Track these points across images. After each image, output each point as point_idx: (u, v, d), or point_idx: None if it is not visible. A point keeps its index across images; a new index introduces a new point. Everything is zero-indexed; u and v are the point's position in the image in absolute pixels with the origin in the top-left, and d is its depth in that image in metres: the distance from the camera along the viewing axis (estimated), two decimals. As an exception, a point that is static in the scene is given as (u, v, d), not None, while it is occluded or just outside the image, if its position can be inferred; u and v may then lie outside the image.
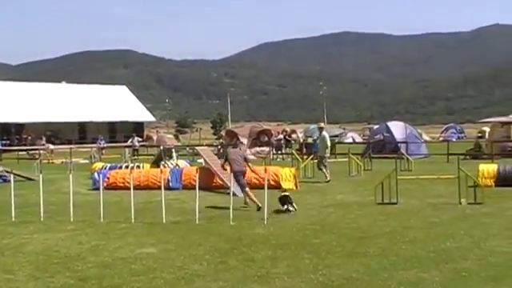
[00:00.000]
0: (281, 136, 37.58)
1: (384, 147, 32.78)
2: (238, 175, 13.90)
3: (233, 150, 15.21)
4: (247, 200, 13.84)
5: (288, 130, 43.37)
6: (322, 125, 22.82)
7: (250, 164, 14.59)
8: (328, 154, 20.53)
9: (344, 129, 67.85)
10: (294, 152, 28.09)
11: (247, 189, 13.98)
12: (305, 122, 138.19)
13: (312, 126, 49.93)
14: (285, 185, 17.25)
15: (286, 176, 17.59)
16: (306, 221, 11.61)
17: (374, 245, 9.17)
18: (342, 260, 8.21)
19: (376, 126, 45.10)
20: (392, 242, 9.41)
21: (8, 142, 54.36)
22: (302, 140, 41.05)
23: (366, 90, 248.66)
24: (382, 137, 34.67)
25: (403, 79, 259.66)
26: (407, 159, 24.70)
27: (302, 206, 13.88)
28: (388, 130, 34.65)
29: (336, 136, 44.96)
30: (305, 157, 25.06)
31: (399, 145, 31.41)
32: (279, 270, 7.75)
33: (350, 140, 47.57)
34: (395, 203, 13.45)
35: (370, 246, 9.11)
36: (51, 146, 42.58)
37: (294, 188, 17.35)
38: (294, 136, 42.93)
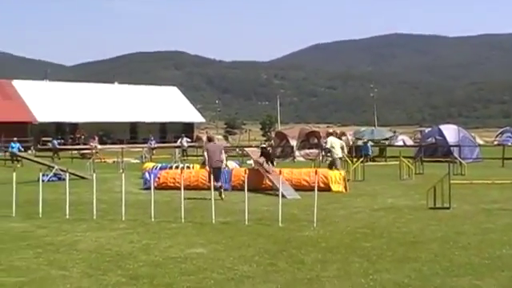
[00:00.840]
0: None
1: (436, 151, 32.27)
2: (216, 171, 15.49)
3: (211, 144, 16.99)
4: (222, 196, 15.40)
5: (338, 132, 43.05)
6: (331, 130, 23.65)
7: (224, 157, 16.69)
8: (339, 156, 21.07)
9: (394, 132, 66.92)
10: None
11: (220, 183, 15.82)
12: (355, 124, 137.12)
13: (362, 129, 49.45)
14: (334, 187, 17.18)
15: (336, 178, 17.48)
16: (355, 224, 11.49)
17: (426, 250, 8.99)
18: (393, 265, 8.08)
19: (428, 129, 44.44)
20: (444, 247, 9.21)
21: (62, 141, 55.62)
22: (351, 142, 40.69)
23: (417, 92, 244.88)
24: (433, 140, 34.12)
25: (456, 81, 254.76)
26: (460, 163, 24.21)
27: (352, 209, 13.77)
28: (440, 134, 34.07)
29: (386, 139, 44.34)
30: (355, 159, 24.80)
31: (452, 148, 30.83)
32: (329, 273, 7.68)
33: (401, 143, 46.85)
34: (448, 208, 13.17)
35: (421, 251, 8.94)
36: (98, 146, 44.10)
37: (344, 191, 17.24)
38: (344, 138, 42.58)
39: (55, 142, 45.45)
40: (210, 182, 13.12)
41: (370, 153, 32.78)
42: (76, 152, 44.63)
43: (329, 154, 22.16)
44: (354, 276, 7.52)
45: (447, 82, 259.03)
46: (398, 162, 23.03)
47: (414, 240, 9.84)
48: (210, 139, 18.19)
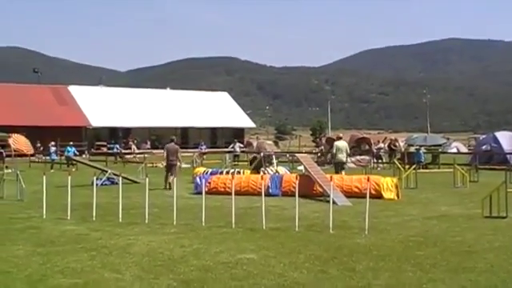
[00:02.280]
0: (381, 145, 36.90)
1: (491, 158, 31.48)
2: (172, 167, 20.52)
3: (169, 144, 21.66)
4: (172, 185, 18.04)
5: (393, 138, 42.51)
6: (341, 135, 26.03)
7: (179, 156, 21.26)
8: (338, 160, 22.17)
9: (448, 138, 65.59)
10: (395, 161, 27.47)
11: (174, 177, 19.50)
12: (406, 130, 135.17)
13: (415, 135, 48.65)
14: (386, 195, 16.95)
15: (388, 186, 17.23)
16: (408, 232, 11.29)
17: (482, 260, 8.76)
18: (448, 275, 7.89)
19: (482, 136, 43.42)
20: (501, 257, 8.95)
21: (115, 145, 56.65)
22: (403, 149, 40.08)
23: (472, 99, 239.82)
24: (489, 147, 33.30)
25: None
26: (517, 171, 23.51)
27: (404, 216, 13.55)
28: (496, 141, 33.26)
29: (439, 145, 43.47)
30: (407, 166, 24.43)
31: (508, 156, 30.02)
32: (381, 281, 7.57)
33: (455, 150, 45.87)
34: (504, 217, 12.81)
35: (477, 261, 8.72)
36: (136, 150, 47.62)
37: (396, 198, 16.99)
38: (396, 145, 42.02)
39: (117, 146, 46.71)
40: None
41: (423, 160, 32.18)
42: (131, 156, 45.50)
43: (380, 161, 22.56)
44: (406, 285, 7.39)
45: (503, 87, 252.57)
46: (451, 170, 22.59)
47: (469, 249, 9.60)
48: (171, 140, 22.39)
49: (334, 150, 22.62)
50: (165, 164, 21.55)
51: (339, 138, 23.88)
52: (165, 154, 21.38)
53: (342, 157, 22.11)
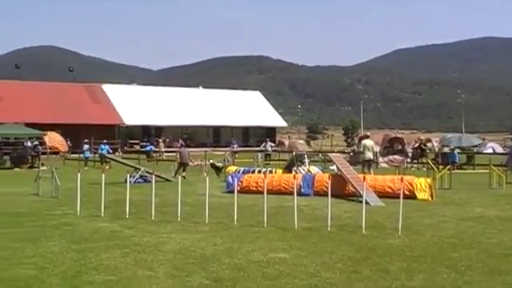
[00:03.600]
0: (416, 145, 36.55)
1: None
2: (185, 165, 26.04)
3: (183, 149, 28.46)
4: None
5: (423, 138, 42.04)
6: (368, 134, 27.78)
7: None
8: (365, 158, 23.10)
9: (483, 139, 64.60)
10: (429, 161, 27.15)
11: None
12: (440, 130, 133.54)
13: (449, 135, 48.00)
14: (420, 195, 16.76)
15: (421, 186, 17.02)
16: (442, 234, 11.13)
17: (519, 263, 8.59)
18: (484, 277, 7.75)
19: (519, 137, 42.59)
20: (539, 261, 8.76)
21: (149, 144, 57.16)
22: (437, 149, 39.60)
23: (508, 99, 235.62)
24: (525, 148, 32.67)
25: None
26: (555, 172, 23.04)
27: (438, 217, 13.38)
28: (533, 141, 32.58)
29: (474, 146, 42.82)
30: (441, 167, 24.12)
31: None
32: (415, 283, 7.47)
33: (490, 150, 45.17)
34: (542, 219, 12.56)
35: (514, 264, 8.55)
36: (163, 148, 48.09)
37: (430, 199, 16.78)
38: (429, 145, 41.57)
39: (152, 147, 47.30)
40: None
41: (457, 160, 31.76)
42: (157, 155, 45.88)
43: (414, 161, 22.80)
44: (441, 287, 7.28)
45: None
46: (487, 170, 22.25)
47: (505, 252, 9.42)
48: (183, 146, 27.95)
49: (362, 149, 23.31)
50: (179, 162, 26.94)
51: (366, 137, 24.48)
52: (179, 156, 27.67)
53: (370, 155, 23.05)
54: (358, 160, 35.12)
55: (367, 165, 23.09)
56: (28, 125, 41.90)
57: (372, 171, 22.46)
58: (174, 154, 40.59)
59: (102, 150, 35.37)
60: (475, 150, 39.90)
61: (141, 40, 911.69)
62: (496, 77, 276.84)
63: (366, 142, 23.84)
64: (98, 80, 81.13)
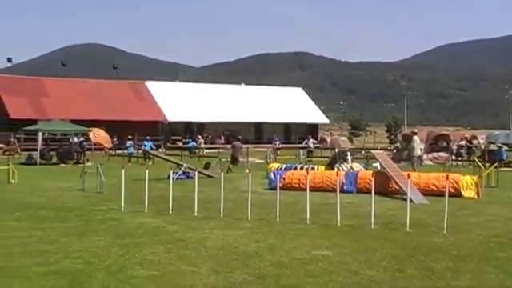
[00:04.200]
0: (462, 142, 35.90)
1: None
2: (236, 159, 27.85)
3: (236, 142, 29.30)
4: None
5: (468, 135, 41.26)
6: (416, 130, 29.09)
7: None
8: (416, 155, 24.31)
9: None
10: (475, 159, 26.63)
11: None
12: (486, 127, 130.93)
13: (496, 132, 47.03)
14: (465, 193, 16.44)
15: (468, 184, 16.70)
16: (489, 232, 10.90)
17: None
18: (533, 278, 7.56)
19: None
20: None
21: (191, 140, 57.60)
22: (483, 146, 38.80)
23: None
24: None
25: None
26: None
27: (485, 216, 13.11)
28: None
29: (522, 143, 41.85)
30: (487, 164, 23.61)
31: None
32: (461, 283, 7.33)
33: (538, 148, 44.05)
34: None
35: None
36: (203, 145, 48.23)
37: (476, 197, 16.45)
38: (474, 142, 40.77)
39: (194, 143, 47.70)
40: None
41: (505, 158, 31.04)
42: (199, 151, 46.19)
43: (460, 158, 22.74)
44: (488, 287, 7.12)
45: None
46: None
47: (555, 252, 9.16)
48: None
49: (415, 145, 23.89)
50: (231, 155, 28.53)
51: (415, 134, 24.90)
52: (232, 149, 29.30)
53: (419, 151, 24.27)
54: (401, 157, 34.79)
55: (415, 161, 23.67)
56: (73, 121, 42.70)
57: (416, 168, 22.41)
58: (217, 150, 40.99)
59: (145, 146, 35.78)
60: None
61: (183, 37, 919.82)
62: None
63: (416, 138, 24.48)
64: (142, 77, 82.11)
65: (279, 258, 8.66)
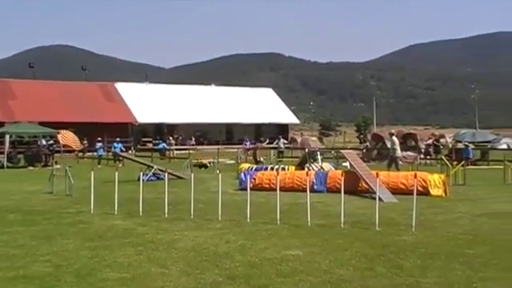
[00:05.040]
0: (430, 141, 36.36)
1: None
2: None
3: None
4: None
5: (437, 134, 41.82)
6: (393, 131, 29.01)
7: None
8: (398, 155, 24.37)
9: (498, 134, 64.15)
10: (443, 157, 27.01)
11: None
12: (454, 126, 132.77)
13: (463, 131, 47.73)
14: (433, 191, 16.67)
15: (435, 182, 16.93)
16: (456, 230, 11.07)
17: (535, 259, 8.52)
18: (499, 274, 7.70)
19: (534, 132, 42.24)
20: (555, 257, 8.69)
21: (161, 141, 57.33)
22: (451, 145, 39.37)
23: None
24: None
25: None
26: None
27: (452, 214, 13.31)
28: (548, 136, 32.32)
29: (489, 142, 42.50)
30: (455, 163, 23.98)
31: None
32: (429, 280, 7.43)
33: (505, 146, 44.87)
34: (557, 215, 12.46)
35: (529, 260, 8.48)
36: (173, 146, 48.38)
37: (444, 195, 16.68)
38: (442, 141, 41.32)
39: (164, 144, 47.39)
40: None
41: (471, 156, 31.54)
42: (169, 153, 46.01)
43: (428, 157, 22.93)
44: (455, 284, 7.24)
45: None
46: (501, 166, 22.09)
47: (520, 248, 9.35)
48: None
49: (396, 146, 24.11)
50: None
51: (393, 134, 25.39)
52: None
53: (399, 152, 24.36)
54: (371, 156, 35.11)
55: (396, 162, 23.67)
56: (42, 123, 42.11)
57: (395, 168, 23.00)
58: (188, 151, 40.87)
59: (115, 148, 35.51)
60: (489, 146, 39.62)
61: (153, 38, 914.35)
62: (510, 72, 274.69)
63: (395, 139, 24.66)
64: (111, 78, 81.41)
65: (250, 259, 8.67)
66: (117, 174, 13.83)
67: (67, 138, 44.45)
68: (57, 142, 39.95)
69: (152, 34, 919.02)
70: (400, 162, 28.32)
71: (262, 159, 30.58)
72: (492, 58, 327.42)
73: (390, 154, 24.59)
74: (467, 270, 7.88)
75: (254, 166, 23.21)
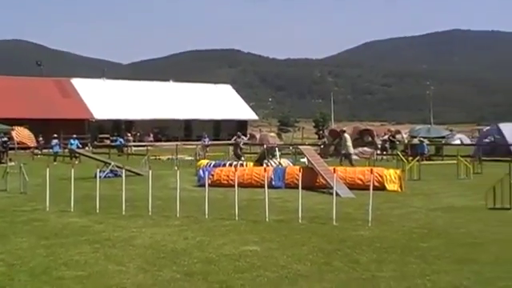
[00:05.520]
0: (386, 137, 36.89)
1: (495, 150, 31.41)
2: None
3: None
4: None
5: (393, 130, 42.46)
6: (345, 128, 29.56)
7: None
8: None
9: (451, 130, 65.56)
10: (399, 153, 27.45)
11: None
12: (410, 122, 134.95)
13: (418, 127, 48.59)
14: (389, 186, 16.93)
15: (391, 178, 17.21)
16: (412, 224, 11.28)
17: (486, 252, 8.75)
18: (452, 266, 7.88)
19: (486, 128, 43.31)
20: (506, 249, 8.94)
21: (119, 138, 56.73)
22: (406, 141, 40.03)
23: (476, 90, 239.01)
24: (492, 139, 33.23)
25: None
26: (521, 163, 23.47)
27: (408, 208, 13.55)
28: (499, 132, 33.17)
29: (443, 137, 43.45)
30: (410, 158, 24.40)
31: (512, 147, 29.95)
32: (385, 273, 7.56)
33: (458, 142, 45.87)
34: (508, 209, 12.80)
35: (481, 252, 8.71)
36: (131, 142, 47.77)
37: (399, 190, 16.96)
38: (398, 136, 41.99)
39: (121, 140, 46.84)
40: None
41: (426, 151, 32.14)
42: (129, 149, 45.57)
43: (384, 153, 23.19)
44: (410, 277, 7.38)
45: (508, 79, 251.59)
46: (455, 162, 22.57)
47: (473, 241, 9.59)
48: None
49: (349, 143, 24.21)
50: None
51: (344, 131, 25.47)
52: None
53: (352, 149, 24.53)
54: (328, 152, 35.40)
55: (349, 158, 23.82)
56: (-5, 120, 41.18)
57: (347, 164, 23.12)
58: (146, 147, 40.54)
59: (71, 144, 34.99)
60: (443, 142, 40.44)
61: (110, 34, 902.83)
62: (464, 69, 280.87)
63: (347, 135, 24.72)
64: (67, 74, 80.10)
65: (208, 255, 8.67)
66: (73, 170, 13.64)
67: (22, 134, 43.69)
68: (11, 138, 39.16)
69: (109, 29, 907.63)
70: (356, 158, 28.64)
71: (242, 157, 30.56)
72: (447, 56, 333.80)
73: (343, 151, 24.67)
74: (421, 263, 8.04)
75: (213, 162, 23.13)
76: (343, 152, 24.38)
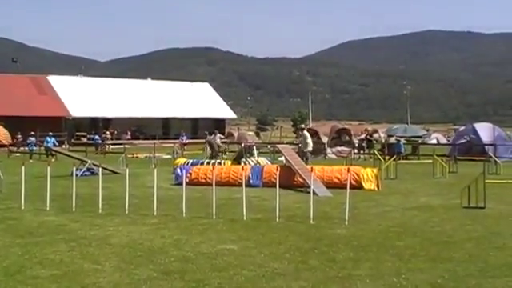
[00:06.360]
0: (363, 136, 37.10)
1: (470, 149, 31.77)
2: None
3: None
4: None
5: (370, 129, 42.72)
6: (303, 126, 29.47)
7: None
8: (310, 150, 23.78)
9: (428, 130, 66.14)
10: (376, 152, 27.64)
11: None
12: (387, 121, 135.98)
13: (395, 126, 48.90)
14: (366, 185, 17.05)
15: (368, 176, 17.32)
16: (388, 223, 11.37)
17: (460, 250, 8.85)
18: (427, 264, 7.97)
19: (462, 128, 43.74)
20: (479, 247, 9.05)
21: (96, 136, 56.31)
22: (383, 140, 40.30)
23: (451, 90, 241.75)
24: (468, 138, 33.60)
25: (492, 79, 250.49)
26: (495, 162, 23.81)
27: (384, 207, 13.65)
28: (474, 132, 33.54)
29: (419, 137, 43.75)
30: (387, 157, 24.58)
31: (487, 147, 30.31)
32: (361, 271, 7.61)
33: (434, 141, 46.28)
34: (483, 208, 12.95)
35: (455, 251, 8.81)
36: (109, 142, 48.28)
37: (376, 189, 17.08)
38: (375, 136, 42.27)
39: (97, 137, 46.55)
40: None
41: (403, 151, 32.39)
42: (107, 147, 45.30)
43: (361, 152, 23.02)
44: (386, 275, 7.44)
45: (482, 79, 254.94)
46: (431, 161, 22.79)
47: (447, 240, 9.69)
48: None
49: (308, 141, 23.66)
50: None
51: (303, 129, 25.56)
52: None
53: (311, 147, 23.82)
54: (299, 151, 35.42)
55: (309, 156, 23.50)
56: (-30, 117, 40.67)
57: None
58: (123, 145, 40.29)
59: (47, 142, 34.64)
60: (420, 141, 40.77)
61: (88, 31, 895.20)
62: (440, 69, 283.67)
63: (306, 133, 24.30)
64: (44, 71, 79.29)
65: (185, 254, 8.65)
66: (49, 168, 13.52)
67: (-4, 132, 43.12)
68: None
69: (87, 26, 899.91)
70: (333, 157, 28.74)
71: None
72: (423, 56, 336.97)
73: (301, 148, 23.96)
74: (397, 262, 8.11)
75: (191, 161, 23.07)
76: (302, 150, 23.65)
